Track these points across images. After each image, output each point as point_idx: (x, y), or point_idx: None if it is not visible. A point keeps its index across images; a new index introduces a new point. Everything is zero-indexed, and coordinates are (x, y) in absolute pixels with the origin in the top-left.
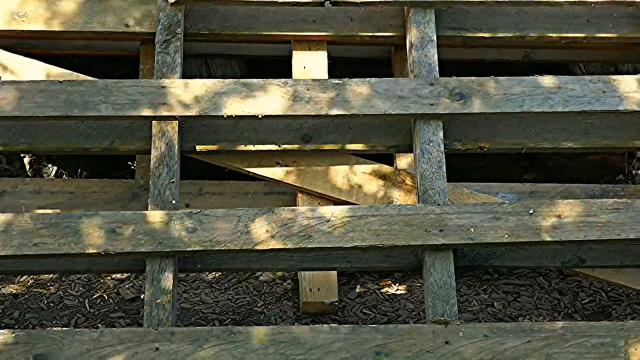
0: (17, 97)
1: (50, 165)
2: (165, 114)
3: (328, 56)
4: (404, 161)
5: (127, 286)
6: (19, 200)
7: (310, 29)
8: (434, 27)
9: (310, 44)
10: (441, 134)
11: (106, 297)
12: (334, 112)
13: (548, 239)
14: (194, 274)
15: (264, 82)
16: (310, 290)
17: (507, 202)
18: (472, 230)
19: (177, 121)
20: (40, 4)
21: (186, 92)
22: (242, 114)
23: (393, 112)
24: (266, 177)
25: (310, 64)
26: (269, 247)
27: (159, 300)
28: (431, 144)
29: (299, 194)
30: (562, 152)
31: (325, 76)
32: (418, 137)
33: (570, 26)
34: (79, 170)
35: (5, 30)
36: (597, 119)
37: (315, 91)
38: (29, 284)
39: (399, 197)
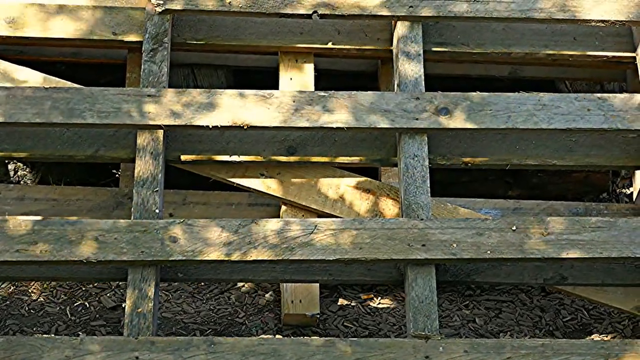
0: (2, 103)
1: (34, 171)
2: (150, 123)
3: (315, 68)
4: (388, 175)
5: (108, 294)
6: (2, 206)
7: (297, 41)
8: (421, 41)
9: (297, 55)
10: (426, 148)
11: (87, 305)
12: (320, 124)
13: (530, 256)
14: (176, 284)
15: (250, 93)
16: (292, 302)
17: (491, 218)
18: (455, 245)
19: (162, 130)
20: (28, 10)
21: (172, 102)
22: (228, 124)
23: (378, 126)
24: (250, 188)
25: (296, 76)
26: (252, 258)
27: (140, 309)
28: (416, 159)
29: (283, 206)
30: (546, 169)
31: (312, 88)
32: (403, 151)
33: (556, 43)
34: (64, 178)
35: None
36: (581, 137)
37: (301, 103)
38: (10, 290)
39: (382, 210)
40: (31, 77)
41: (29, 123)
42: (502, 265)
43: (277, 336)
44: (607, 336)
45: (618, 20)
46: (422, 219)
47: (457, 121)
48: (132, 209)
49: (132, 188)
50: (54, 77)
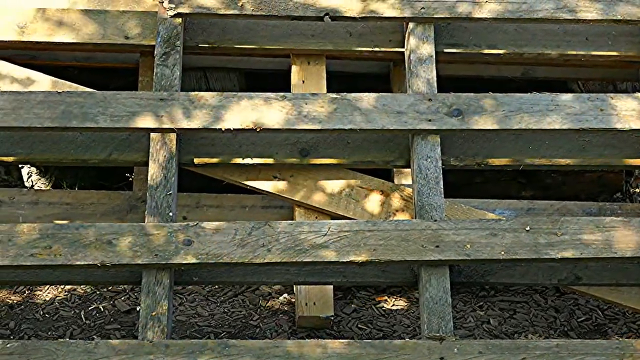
0: (15, 108)
1: (48, 176)
2: (163, 126)
3: (327, 71)
4: (401, 176)
5: (122, 298)
6: (16, 210)
7: (309, 44)
8: (433, 43)
9: (309, 58)
10: (439, 149)
11: (102, 309)
12: (332, 126)
13: (544, 256)
14: (190, 287)
15: (263, 95)
16: (306, 304)
17: (504, 218)
18: (469, 246)
19: (175, 134)
20: (40, 15)
21: (185, 105)
22: (240, 127)
23: (391, 128)
24: (264, 190)
25: (309, 78)
26: (265, 261)
27: (154, 313)
28: (429, 160)
29: (296, 208)
30: (559, 169)
31: (324, 90)
32: (416, 153)
33: (569, 44)
34: (77, 182)
35: (6, 41)
36: (594, 137)
37: (313, 105)
38: (25, 294)
39: (396, 212)
40: (43, 82)
41: (43, 127)
42: (516, 266)
43: (292, 338)
44: (622, 336)
45: (630, 20)
46: (435, 220)
47: (470, 122)
48: (146, 213)
49: (145, 191)
50: (66, 81)
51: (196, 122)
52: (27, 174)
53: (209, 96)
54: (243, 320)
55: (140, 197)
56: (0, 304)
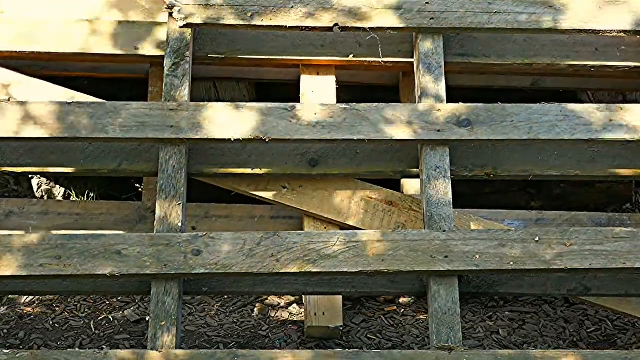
0: (25, 118)
1: (58, 186)
2: (172, 136)
3: (336, 81)
4: (410, 187)
5: (132, 308)
6: (26, 221)
7: (318, 54)
8: (442, 53)
9: (318, 68)
10: (448, 160)
11: (111, 319)
12: (341, 137)
13: (553, 266)
14: (200, 297)
15: (272, 106)
16: (315, 314)
17: (513, 229)
18: (478, 257)
19: (184, 144)
20: (50, 25)
21: (194, 116)
22: (250, 137)
23: (400, 138)
24: (273, 200)
25: (318, 89)
26: (274, 271)
27: (163, 323)
28: (438, 170)
29: (305, 218)
30: (568, 179)
31: (333, 101)
32: (425, 163)
33: (578, 54)
34: (87, 192)
35: (16, 52)
36: (603, 148)
37: (322, 116)
38: (34, 304)
39: (405, 222)
40: (53, 92)
41: (53, 138)
42: (525, 277)
43: (301, 349)
44: (631, 347)
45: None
46: (444, 231)
47: (479, 132)
48: (155, 223)
49: (155, 202)
50: (76, 92)
51: (205, 132)
52: (37, 185)
53: (218, 106)
54: (252, 331)
55: (150, 208)
56: (10, 314)
